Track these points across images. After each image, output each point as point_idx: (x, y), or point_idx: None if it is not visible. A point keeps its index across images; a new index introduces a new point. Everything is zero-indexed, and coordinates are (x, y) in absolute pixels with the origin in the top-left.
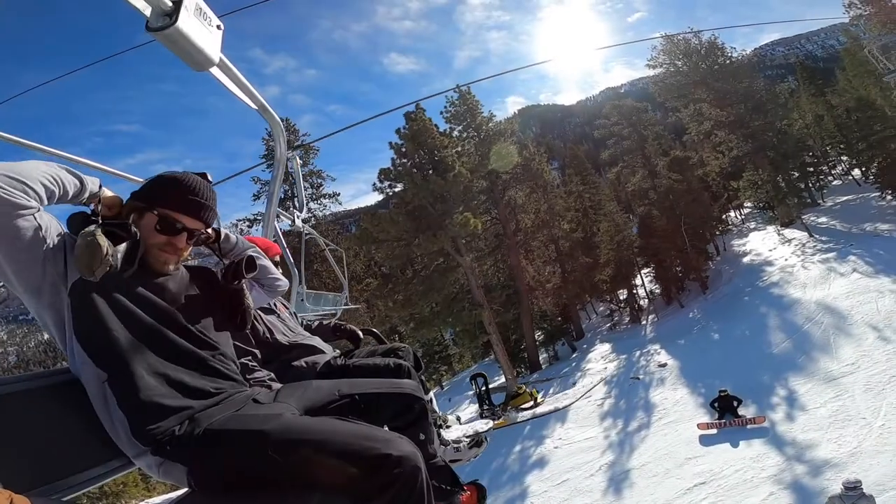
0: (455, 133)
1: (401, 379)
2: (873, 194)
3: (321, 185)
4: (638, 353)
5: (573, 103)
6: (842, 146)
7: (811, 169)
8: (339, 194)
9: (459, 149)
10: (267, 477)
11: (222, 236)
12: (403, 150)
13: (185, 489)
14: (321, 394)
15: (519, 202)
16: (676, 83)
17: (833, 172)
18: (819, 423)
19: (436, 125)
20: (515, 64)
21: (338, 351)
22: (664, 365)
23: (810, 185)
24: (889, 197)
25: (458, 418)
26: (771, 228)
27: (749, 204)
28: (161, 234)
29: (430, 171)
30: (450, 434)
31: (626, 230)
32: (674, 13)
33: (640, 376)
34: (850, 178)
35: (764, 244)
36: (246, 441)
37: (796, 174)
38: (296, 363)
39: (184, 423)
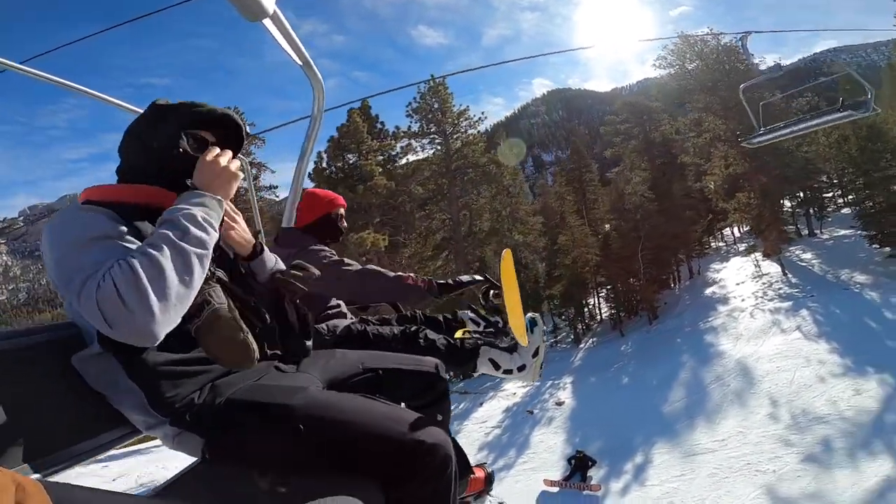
0: (415, 128)
1: (423, 354)
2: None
3: (258, 177)
4: (551, 382)
5: (607, 90)
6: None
7: (810, 195)
8: (276, 187)
9: (383, 157)
10: (289, 453)
11: (263, 250)
12: (325, 154)
13: (196, 459)
14: (345, 366)
15: (477, 204)
16: (679, 87)
17: (846, 200)
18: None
19: (381, 123)
20: (548, 47)
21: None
22: (561, 403)
23: (812, 212)
24: (876, 246)
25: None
26: (752, 258)
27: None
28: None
29: (353, 179)
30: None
31: (585, 246)
32: (721, 9)
33: (535, 411)
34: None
35: (737, 275)
36: (271, 414)
37: (793, 201)
38: (316, 326)
39: (203, 389)
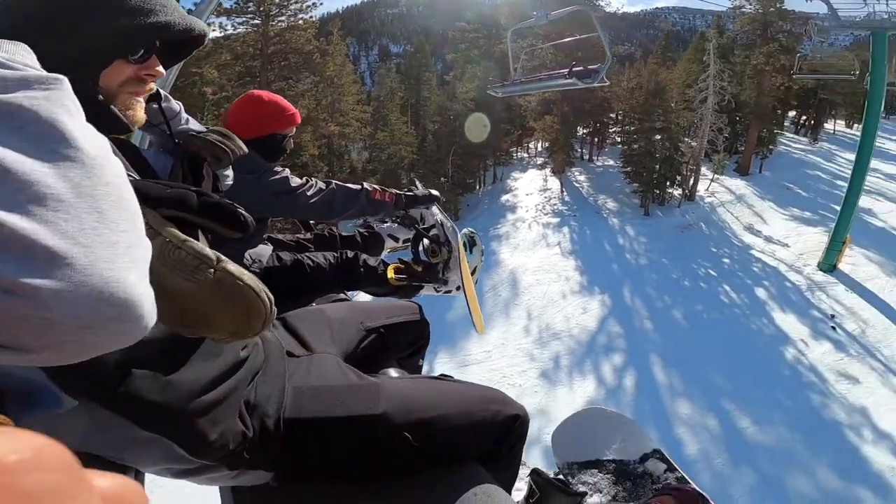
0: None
1: (362, 283)
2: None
3: None
4: None
5: None
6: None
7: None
8: None
9: None
10: (387, 459)
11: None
12: None
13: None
14: (350, 331)
15: (294, 91)
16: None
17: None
18: None
19: None
20: None
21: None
22: None
23: (595, 141)
24: (628, 181)
25: None
26: (543, 172)
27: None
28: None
29: None
30: None
31: (403, 144)
32: None
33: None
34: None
35: (529, 186)
36: (359, 429)
37: (586, 129)
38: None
39: (244, 415)
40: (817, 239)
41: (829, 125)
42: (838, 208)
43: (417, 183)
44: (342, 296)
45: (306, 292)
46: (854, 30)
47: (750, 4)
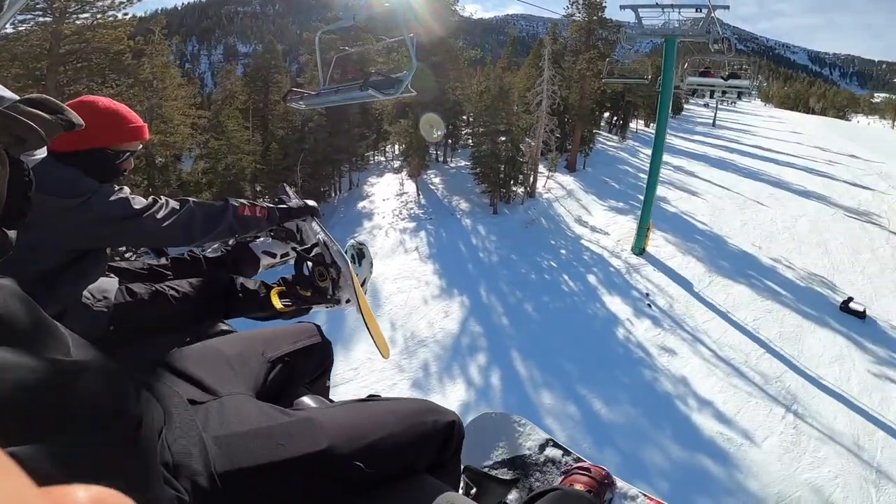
0: None
1: (243, 310)
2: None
3: None
4: None
5: None
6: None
7: (452, 128)
8: None
9: None
10: (341, 489)
11: None
12: None
13: None
14: (252, 365)
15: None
16: (390, 14)
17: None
18: None
19: None
20: None
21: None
22: None
23: (449, 142)
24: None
25: None
26: (400, 176)
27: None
28: None
29: None
30: None
31: (243, 153)
32: None
33: None
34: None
35: (386, 191)
36: (305, 468)
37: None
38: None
39: (167, 480)
40: (630, 226)
41: (633, 125)
42: (642, 198)
43: (289, 191)
44: (224, 326)
45: (175, 328)
46: (653, 37)
47: (579, 13)
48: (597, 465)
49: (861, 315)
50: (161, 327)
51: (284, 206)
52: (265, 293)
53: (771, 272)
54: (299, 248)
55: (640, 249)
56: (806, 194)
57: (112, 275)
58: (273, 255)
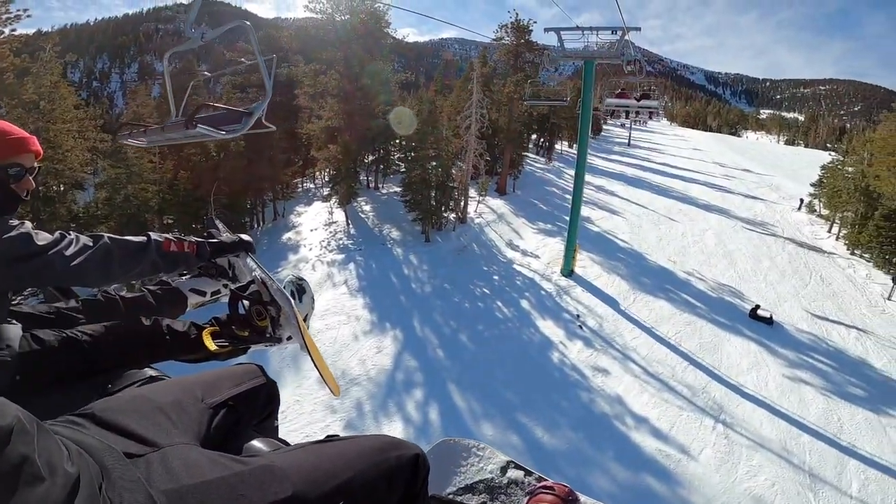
0: None
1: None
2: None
3: None
4: None
5: (270, 17)
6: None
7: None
8: None
9: None
10: None
11: None
12: None
13: None
14: (192, 412)
15: None
16: (316, 34)
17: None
18: None
19: None
20: None
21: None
22: None
23: (380, 168)
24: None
25: None
26: (328, 205)
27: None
28: None
29: None
30: None
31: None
32: None
33: None
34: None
35: (314, 220)
36: None
37: (373, 155)
38: None
39: None
40: (558, 248)
41: (559, 146)
42: (568, 219)
43: (219, 224)
44: (153, 372)
45: (92, 376)
46: (574, 59)
47: (507, 37)
48: (559, 483)
49: (769, 321)
50: (76, 376)
51: (215, 240)
52: (196, 334)
53: (686, 285)
54: (233, 287)
55: (568, 271)
56: (709, 208)
57: (14, 321)
58: (202, 293)
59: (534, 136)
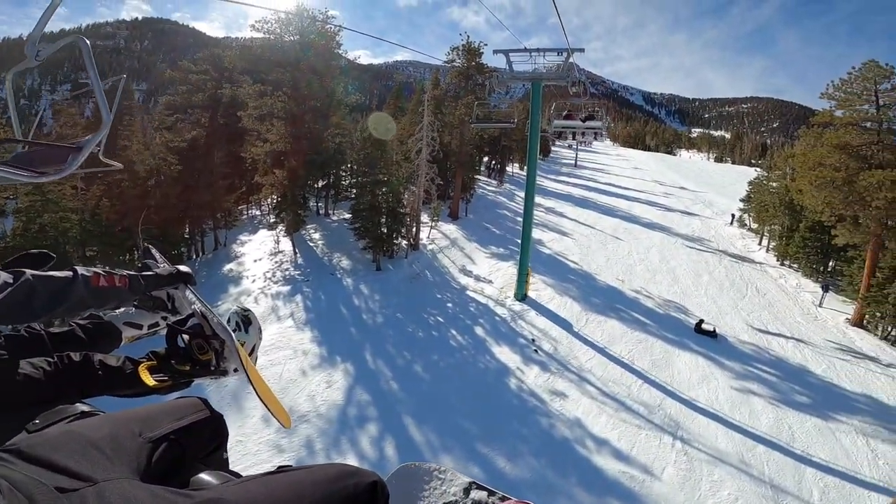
0: None
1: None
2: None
3: None
4: None
5: (220, 36)
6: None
7: (333, 179)
8: None
9: None
10: None
11: None
12: None
13: None
14: (130, 447)
15: None
16: (262, 54)
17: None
18: None
19: None
20: None
21: None
22: None
23: (329, 194)
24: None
25: None
26: (275, 233)
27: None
28: None
29: None
30: None
31: (63, 210)
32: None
33: None
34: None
35: (259, 250)
36: None
37: (323, 181)
38: None
39: None
40: (511, 272)
41: (510, 168)
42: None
43: (156, 254)
44: (85, 407)
45: (15, 412)
46: (521, 81)
47: (459, 59)
48: (522, 500)
49: (713, 334)
50: None
51: (150, 273)
52: (132, 369)
53: (635, 303)
54: (171, 320)
55: (522, 295)
56: (652, 226)
57: None
58: (138, 327)
59: (486, 159)
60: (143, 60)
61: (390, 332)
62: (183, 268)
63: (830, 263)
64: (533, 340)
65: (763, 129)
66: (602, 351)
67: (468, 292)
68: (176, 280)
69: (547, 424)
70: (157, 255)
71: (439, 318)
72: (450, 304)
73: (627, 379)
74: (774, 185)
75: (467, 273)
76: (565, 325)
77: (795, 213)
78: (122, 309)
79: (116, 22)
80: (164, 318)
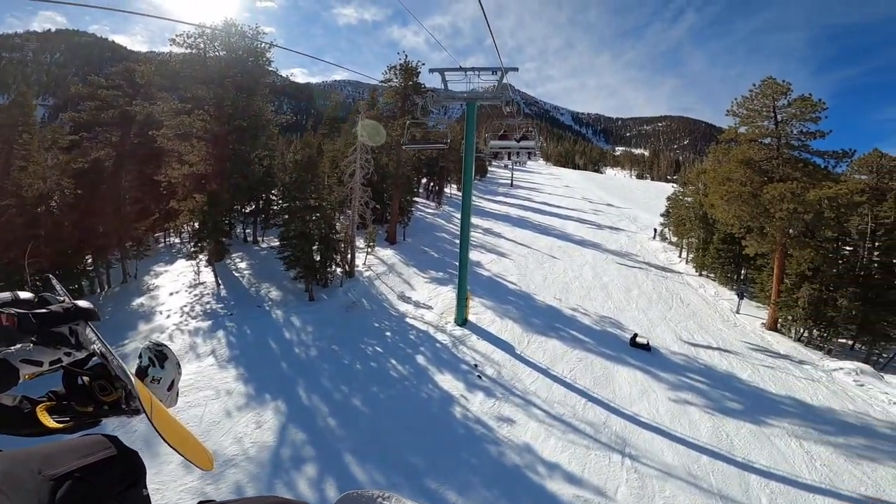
0: None
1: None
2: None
3: None
4: None
5: (143, 50)
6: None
7: (262, 203)
8: None
9: None
10: None
11: None
12: None
13: None
14: (27, 485)
15: None
16: (181, 69)
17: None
18: None
19: None
20: None
21: None
22: None
23: (258, 220)
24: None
25: None
26: (195, 263)
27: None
28: None
29: None
30: None
31: None
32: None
33: None
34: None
35: (175, 282)
36: None
37: (250, 206)
38: None
39: None
40: (451, 296)
41: (448, 189)
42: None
43: (57, 286)
44: None
45: None
46: (457, 101)
47: (396, 79)
48: None
49: (647, 347)
50: None
51: (43, 311)
52: (29, 409)
53: (573, 321)
54: (67, 362)
55: (462, 320)
56: (584, 243)
57: None
58: (38, 363)
59: (424, 181)
60: (53, 74)
61: (325, 365)
62: (82, 303)
63: (743, 272)
64: (476, 366)
65: (676, 146)
66: (545, 372)
67: (407, 319)
68: (74, 317)
69: (496, 452)
70: (59, 288)
71: (378, 348)
72: (388, 333)
73: (572, 399)
74: (689, 199)
75: (406, 299)
76: (507, 347)
77: (709, 227)
78: (19, 346)
79: (26, 33)
80: (68, 354)
